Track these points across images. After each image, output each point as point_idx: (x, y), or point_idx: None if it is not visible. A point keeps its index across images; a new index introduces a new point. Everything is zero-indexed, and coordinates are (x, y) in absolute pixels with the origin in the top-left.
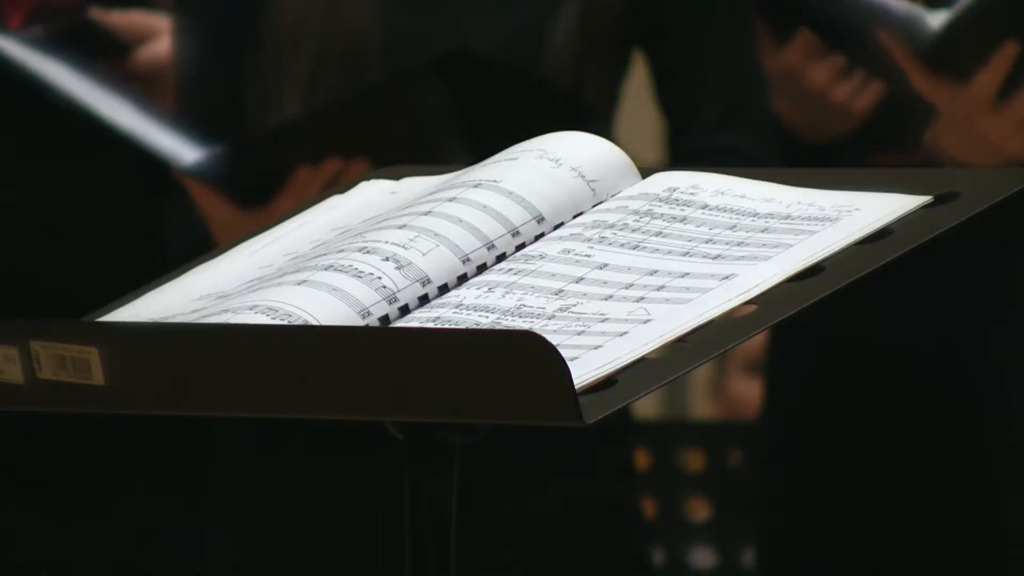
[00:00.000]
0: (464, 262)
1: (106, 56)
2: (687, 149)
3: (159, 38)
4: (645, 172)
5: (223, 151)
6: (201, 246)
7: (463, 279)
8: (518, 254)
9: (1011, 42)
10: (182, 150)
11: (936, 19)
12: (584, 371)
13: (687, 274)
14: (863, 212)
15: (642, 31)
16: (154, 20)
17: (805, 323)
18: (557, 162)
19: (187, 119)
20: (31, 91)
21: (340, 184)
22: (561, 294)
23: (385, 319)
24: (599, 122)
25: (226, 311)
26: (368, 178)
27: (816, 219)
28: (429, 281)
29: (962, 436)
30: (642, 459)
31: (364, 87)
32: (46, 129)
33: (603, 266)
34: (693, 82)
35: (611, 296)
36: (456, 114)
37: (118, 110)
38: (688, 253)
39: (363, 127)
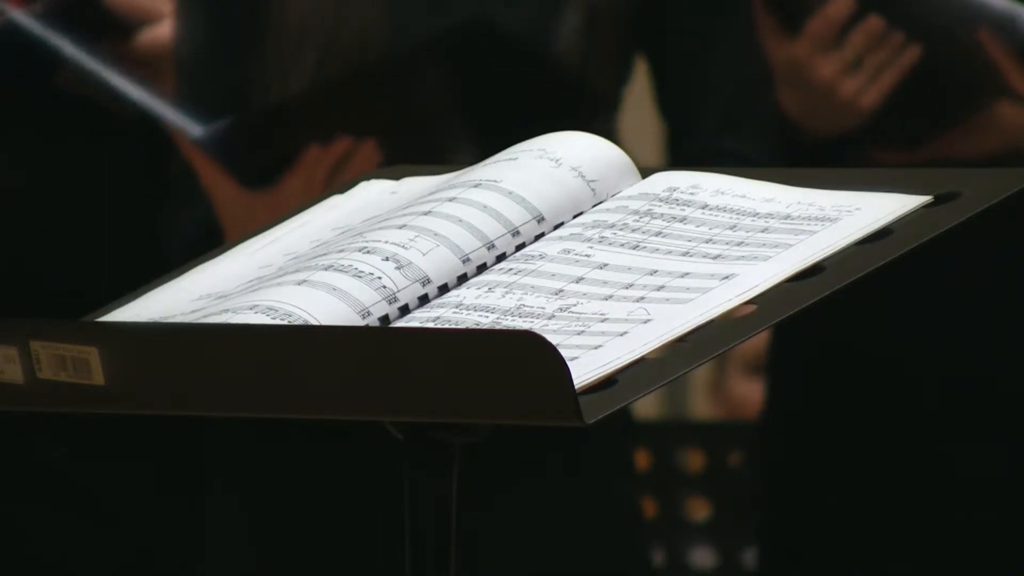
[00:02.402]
0: (464, 262)
1: (108, 36)
2: (688, 153)
3: (163, 21)
4: (645, 172)
5: (230, 124)
6: (206, 237)
7: (463, 279)
8: (518, 254)
9: None
10: (189, 126)
11: None
12: (584, 371)
13: (687, 274)
14: (863, 212)
15: (643, 34)
16: (159, 3)
17: (805, 323)
18: (557, 162)
19: (187, 110)
20: (42, 64)
21: (348, 165)
22: (561, 294)
23: (385, 319)
24: (603, 114)
25: (226, 311)
26: (368, 178)
27: (816, 219)
28: (429, 281)
29: (962, 436)
30: (642, 459)
31: (376, 59)
32: (47, 127)
33: (603, 266)
34: (694, 86)
35: (611, 296)
36: (466, 90)
37: (126, 86)
38: (688, 253)
39: (373, 105)
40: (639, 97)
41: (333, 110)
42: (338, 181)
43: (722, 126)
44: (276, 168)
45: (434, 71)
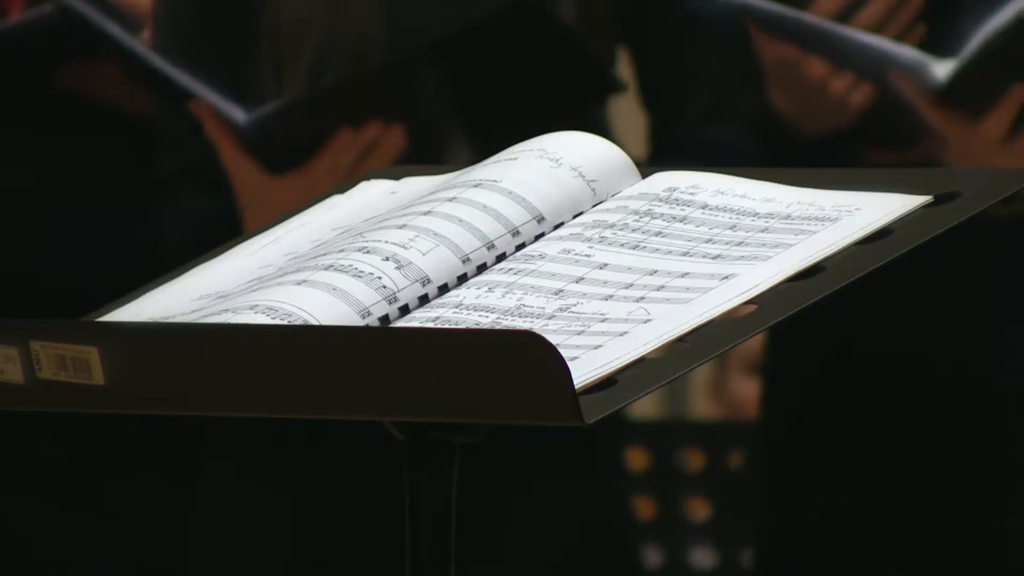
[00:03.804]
0: (464, 262)
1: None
2: (672, 143)
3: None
4: (645, 172)
5: (274, 111)
6: (200, 237)
7: (463, 279)
8: (518, 254)
9: (1020, 85)
10: (233, 112)
11: (942, 69)
12: (584, 371)
13: (687, 274)
14: (863, 212)
15: (629, 26)
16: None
17: (803, 323)
18: (557, 162)
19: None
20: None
21: (376, 150)
22: (561, 294)
23: (385, 319)
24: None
25: (226, 311)
26: (368, 178)
27: (816, 219)
28: (429, 281)
29: (961, 435)
30: (642, 459)
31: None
32: (50, 126)
33: (603, 266)
34: (677, 77)
35: (611, 296)
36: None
37: (170, 71)
38: (688, 253)
39: (401, 93)
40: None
41: (366, 98)
42: (366, 166)
43: (705, 117)
44: (303, 152)
45: (473, 57)
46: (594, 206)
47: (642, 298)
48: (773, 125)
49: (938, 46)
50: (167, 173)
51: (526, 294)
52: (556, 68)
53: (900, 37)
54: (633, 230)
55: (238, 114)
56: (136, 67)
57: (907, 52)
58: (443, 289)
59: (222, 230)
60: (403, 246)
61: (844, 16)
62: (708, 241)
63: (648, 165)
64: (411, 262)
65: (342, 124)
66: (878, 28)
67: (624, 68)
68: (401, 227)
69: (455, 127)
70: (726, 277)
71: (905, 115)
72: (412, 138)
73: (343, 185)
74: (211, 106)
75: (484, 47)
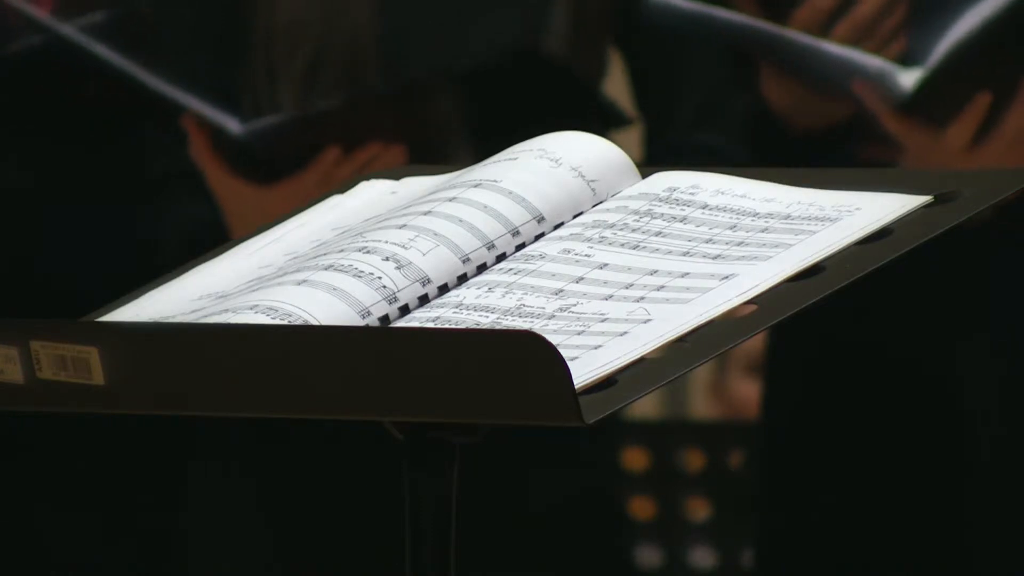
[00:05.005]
0: (464, 262)
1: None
2: (663, 148)
3: None
4: (645, 172)
5: (272, 124)
6: (202, 234)
7: (463, 279)
8: (518, 254)
9: (984, 93)
10: (227, 122)
11: (908, 78)
12: (584, 371)
13: (687, 274)
14: (863, 212)
15: (620, 32)
16: None
17: (803, 323)
18: (557, 162)
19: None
20: (80, 67)
21: (372, 168)
22: (561, 294)
23: (385, 319)
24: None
25: (226, 311)
26: (368, 178)
27: (816, 219)
28: (429, 281)
29: (961, 436)
30: (642, 459)
31: (418, 79)
32: (52, 129)
33: (603, 266)
34: (668, 82)
35: (611, 296)
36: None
37: (159, 85)
38: (688, 253)
39: (403, 116)
40: (616, 92)
41: (365, 119)
42: None
43: (698, 121)
44: (291, 168)
45: (473, 92)
46: (594, 206)
47: (642, 298)
48: (764, 127)
49: (904, 55)
50: (167, 174)
51: (526, 294)
52: (559, 101)
53: (878, 49)
54: (633, 230)
55: (233, 125)
56: (127, 83)
57: (873, 62)
58: (443, 289)
59: (222, 230)
60: (403, 246)
61: (823, 29)
62: (708, 241)
63: (646, 166)
64: (411, 262)
65: (339, 144)
66: (857, 40)
67: (616, 74)
68: (401, 227)
69: (455, 152)
70: (726, 277)
71: (870, 124)
72: (413, 159)
73: (343, 185)
74: (202, 118)
75: (487, 81)
